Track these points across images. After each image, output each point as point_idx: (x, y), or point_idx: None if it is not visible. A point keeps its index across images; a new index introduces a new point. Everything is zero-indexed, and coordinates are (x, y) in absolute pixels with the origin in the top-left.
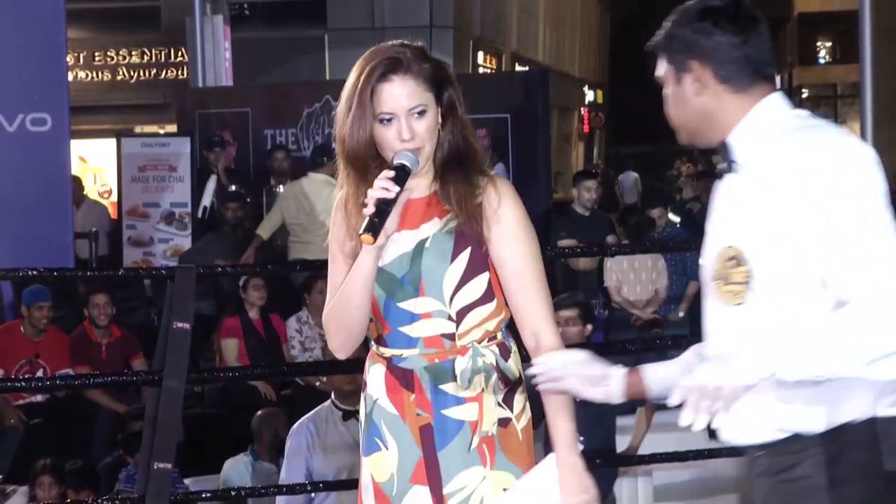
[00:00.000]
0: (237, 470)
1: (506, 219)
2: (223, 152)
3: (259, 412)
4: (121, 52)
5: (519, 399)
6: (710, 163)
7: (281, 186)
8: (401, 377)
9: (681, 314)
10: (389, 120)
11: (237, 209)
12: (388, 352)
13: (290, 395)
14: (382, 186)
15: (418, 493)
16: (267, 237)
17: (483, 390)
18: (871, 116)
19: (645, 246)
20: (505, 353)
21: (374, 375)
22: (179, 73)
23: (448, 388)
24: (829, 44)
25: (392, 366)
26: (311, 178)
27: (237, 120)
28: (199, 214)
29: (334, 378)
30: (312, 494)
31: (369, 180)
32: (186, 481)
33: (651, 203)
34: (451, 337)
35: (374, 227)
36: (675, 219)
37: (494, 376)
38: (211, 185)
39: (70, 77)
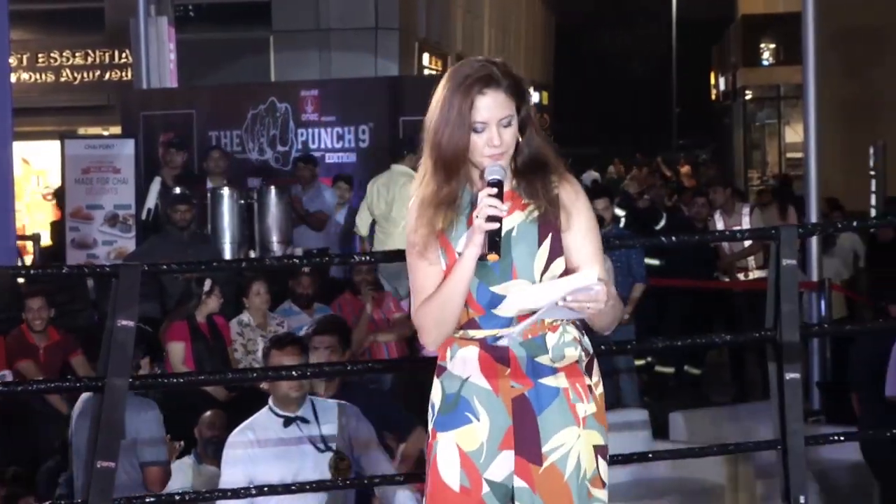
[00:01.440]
0: (181, 472)
1: (584, 211)
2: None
3: (203, 415)
4: (64, 54)
5: (596, 369)
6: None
7: (226, 189)
8: (496, 355)
9: (626, 317)
10: (482, 129)
11: (186, 212)
12: (480, 333)
13: (236, 398)
14: (492, 205)
15: (506, 457)
16: (366, 233)
17: (575, 362)
18: (814, 118)
19: None
20: (582, 329)
21: (465, 357)
22: (123, 74)
23: (542, 360)
24: (772, 45)
25: (487, 346)
26: (394, 169)
27: (182, 122)
28: (143, 216)
29: (280, 384)
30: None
31: (455, 182)
32: None
33: (595, 195)
34: (532, 315)
35: (497, 245)
36: (621, 213)
37: (580, 349)
38: (155, 186)
39: (13, 79)
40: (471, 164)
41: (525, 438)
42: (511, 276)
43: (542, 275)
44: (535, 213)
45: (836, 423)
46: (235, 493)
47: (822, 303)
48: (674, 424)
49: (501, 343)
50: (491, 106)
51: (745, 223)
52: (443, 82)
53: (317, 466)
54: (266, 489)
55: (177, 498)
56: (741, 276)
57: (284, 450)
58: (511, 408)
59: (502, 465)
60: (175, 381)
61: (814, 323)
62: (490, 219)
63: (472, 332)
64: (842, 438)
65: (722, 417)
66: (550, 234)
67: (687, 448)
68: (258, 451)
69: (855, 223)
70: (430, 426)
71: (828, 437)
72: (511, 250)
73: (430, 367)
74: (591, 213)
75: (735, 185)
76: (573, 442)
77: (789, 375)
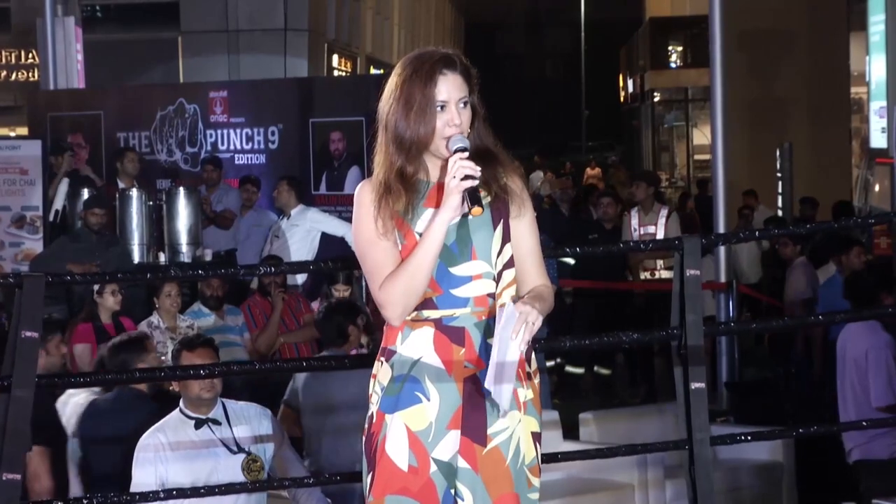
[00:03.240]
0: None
1: (529, 202)
2: (72, 157)
3: None
4: None
5: (534, 357)
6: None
7: (135, 190)
8: (452, 335)
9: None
10: (443, 108)
11: (102, 215)
12: (437, 313)
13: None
14: (465, 165)
15: (453, 436)
16: None
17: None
18: (721, 120)
19: None
20: None
21: (418, 337)
22: (31, 74)
23: (491, 341)
24: (680, 48)
25: (442, 325)
26: None
27: (89, 123)
28: (52, 218)
29: (192, 386)
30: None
31: (412, 168)
32: None
33: None
34: (493, 296)
35: (479, 199)
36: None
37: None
38: (63, 187)
39: None
40: (428, 150)
41: (472, 419)
42: (471, 258)
43: (496, 257)
44: (488, 199)
45: (744, 423)
46: (145, 497)
47: (731, 303)
48: (584, 425)
49: (456, 324)
50: (451, 86)
51: (661, 224)
52: (398, 71)
53: (229, 468)
54: (175, 492)
55: (84, 501)
56: (647, 275)
57: (196, 452)
58: (462, 388)
59: (449, 445)
60: (81, 380)
61: (721, 322)
62: (466, 178)
63: (427, 313)
64: (748, 438)
65: (632, 417)
66: (502, 220)
67: (596, 449)
68: (169, 453)
69: (757, 233)
70: (375, 409)
71: (735, 437)
72: (471, 233)
73: (338, 366)
74: (532, 205)
75: (659, 187)
76: (515, 426)
77: (694, 385)
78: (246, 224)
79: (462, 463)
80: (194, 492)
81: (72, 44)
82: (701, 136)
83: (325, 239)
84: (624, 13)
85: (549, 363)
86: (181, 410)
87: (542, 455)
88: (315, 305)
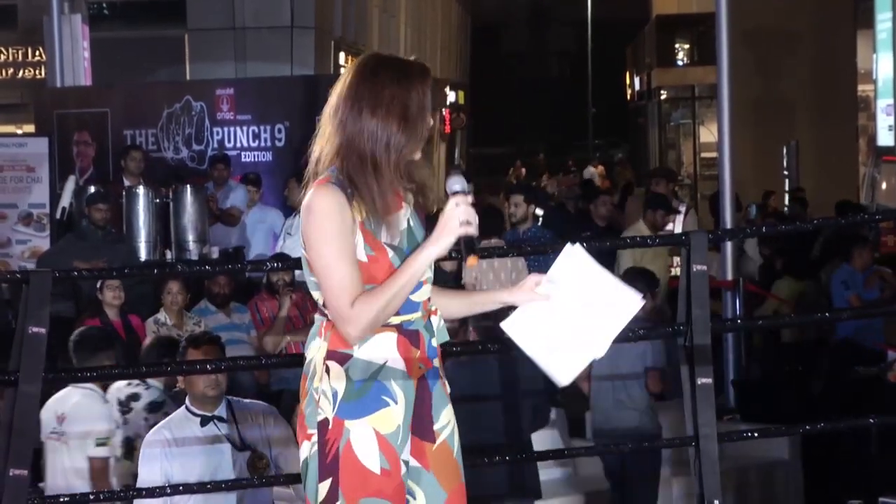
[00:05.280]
0: None
1: (435, 200)
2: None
3: None
4: None
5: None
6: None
7: (141, 187)
8: (411, 338)
9: None
10: None
11: (106, 210)
12: (398, 318)
13: None
14: (470, 214)
15: (409, 437)
16: None
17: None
18: (727, 118)
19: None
20: None
21: (382, 342)
22: (37, 72)
23: (433, 342)
24: (686, 46)
25: (403, 330)
26: None
27: (96, 120)
28: (58, 215)
29: (197, 383)
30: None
31: (386, 175)
32: (45, 484)
33: (512, 191)
34: (429, 299)
35: (474, 248)
36: (539, 212)
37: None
38: (70, 185)
39: None
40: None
41: (422, 417)
42: None
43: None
44: (411, 200)
45: (750, 421)
46: (151, 492)
47: (738, 301)
48: (590, 421)
49: (412, 328)
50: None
51: (679, 220)
52: (372, 74)
53: (235, 465)
54: (182, 488)
55: (91, 497)
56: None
57: (202, 449)
58: (417, 387)
59: (409, 446)
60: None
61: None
62: (466, 223)
63: (390, 319)
64: (755, 435)
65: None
66: (423, 221)
67: (602, 445)
68: (175, 450)
69: (764, 229)
70: (329, 414)
71: (741, 434)
72: (417, 238)
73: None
74: None
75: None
76: (451, 419)
77: (701, 380)
78: (250, 221)
79: (413, 462)
80: (200, 488)
81: (78, 41)
82: (707, 134)
83: None
84: (630, 11)
85: None
86: (187, 408)
87: (550, 451)
88: None
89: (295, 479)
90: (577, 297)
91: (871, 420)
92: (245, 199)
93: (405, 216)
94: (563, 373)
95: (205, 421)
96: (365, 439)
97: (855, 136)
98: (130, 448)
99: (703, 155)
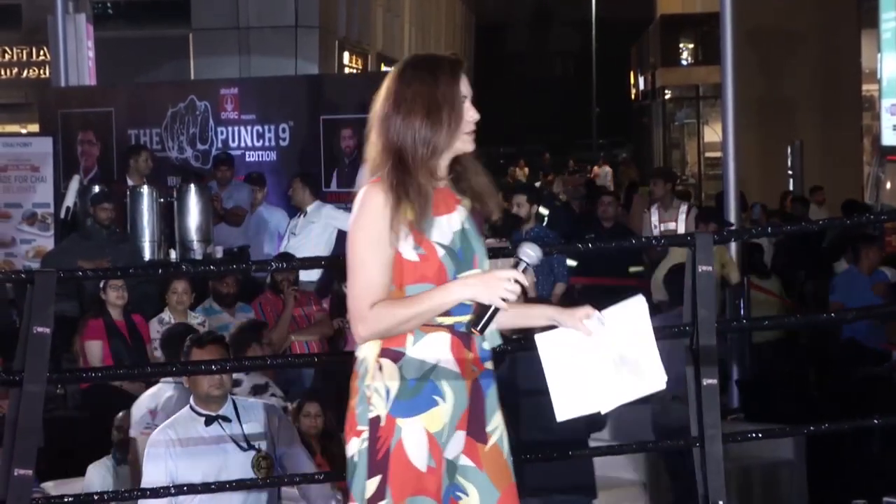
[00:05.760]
0: (99, 474)
1: (497, 208)
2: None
3: (119, 415)
4: None
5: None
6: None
7: (145, 187)
8: (463, 339)
9: None
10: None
11: (111, 210)
12: (449, 320)
13: None
14: (514, 291)
15: (459, 437)
16: None
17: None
18: (732, 118)
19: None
20: None
21: (435, 342)
22: (42, 72)
23: (485, 345)
24: (691, 45)
25: (455, 331)
26: None
27: (100, 120)
28: (62, 215)
29: (201, 383)
30: (176, 499)
31: (423, 172)
32: (49, 484)
33: (514, 191)
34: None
35: (486, 325)
36: (544, 211)
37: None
38: (74, 184)
39: None
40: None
41: (476, 419)
42: (472, 265)
43: (486, 263)
44: (468, 205)
45: (755, 421)
46: (156, 492)
47: (742, 301)
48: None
49: (464, 329)
50: (467, 83)
51: (681, 220)
52: (409, 74)
53: (239, 465)
54: (186, 488)
55: (95, 498)
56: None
57: (206, 448)
58: (469, 389)
59: (456, 444)
60: (93, 375)
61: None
62: (504, 300)
63: (441, 319)
64: (759, 436)
65: (642, 415)
66: (479, 226)
67: (606, 445)
68: (180, 449)
69: (770, 229)
70: (382, 412)
71: (746, 434)
72: (471, 242)
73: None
74: None
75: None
76: (501, 423)
77: (706, 381)
78: (255, 221)
79: (465, 461)
80: (205, 488)
81: (83, 41)
82: (712, 134)
83: (341, 235)
84: (634, 11)
85: None
86: (191, 407)
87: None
88: (326, 303)
89: (299, 479)
90: (617, 347)
91: (876, 420)
92: (249, 198)
93: (459, 218)
94: (562, 408)
95: (209, 420)
96: (415, 437)
97: (859, 136)
98: None
99: (708, 155)
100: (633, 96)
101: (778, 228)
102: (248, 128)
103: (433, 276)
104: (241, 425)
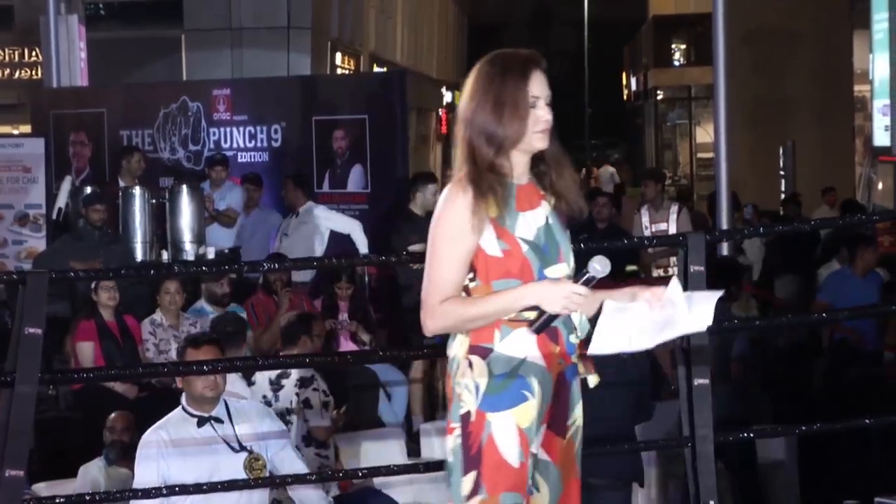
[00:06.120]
0: (91, 475)
1: (580, 208)
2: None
3: (111, 416)
4: None
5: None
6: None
7: (138, 188)
8: (550, 334)
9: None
10: (534, 103)
11: (103, 211)
12: (534, 314)
13: (146, 397)
14: (579, 303)
15: (541, 431)
16: None
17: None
18: (724, 118)
19: None
20: None
21: (522, 338)
22: (34, 73)
23: (572, 338)
24: (683, 46)
25: None
26: None
27: (93, 121)
28: (54, 216)
29: (195, 384)
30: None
31: (501, 169)
32: (40, 485)
33: None
34: None
35: (543, 329)
36: None
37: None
38: (66, 185)
39: None
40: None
41: (558, 413)
42: (558, 260)
43: (571, 258)
44: (553, 203)
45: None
46: (147, 493)
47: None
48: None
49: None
50: (542, 82)
51: (672, 221)
52: (482, 69)
53: (231, 467)
54: (178, 489)
55: (87, 498)
56: (661, 272)
57: (198, 450)
58: (556, 382)
59: (539, 439)
60: (85, 376)
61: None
62: (566, 308)
63: (527, 314)
64: (751, 436)
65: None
66: (564, 223)
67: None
68: (172, 450)
69: (762, 229)
70: (472, 408)
71: (737, 435)
72: (556, 237)
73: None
74: None
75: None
76: (580, 416)
77: (697, 381)
78: (251, 223)
79: (543, 455)
80: (196, 489)
81: (75, 42)
82: (704, 135)
83: (333, 236)
84: (627, 11)
85: None
86: (184, 408)
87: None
88: (318, 304)
89: (291, 480)
90: (673, 317)
91: (868, 421)
92: (241, 200)
93: (544, 213)
94: (598, 345)
95: (202, 422)
96: (506, 432)
97: (851, 137)
98: (285, 422)
99: (700, 155)
100: (625, 97)
101: (770, 229)
102: (241, 129)
103: (517, 271)
104: (234, 426)
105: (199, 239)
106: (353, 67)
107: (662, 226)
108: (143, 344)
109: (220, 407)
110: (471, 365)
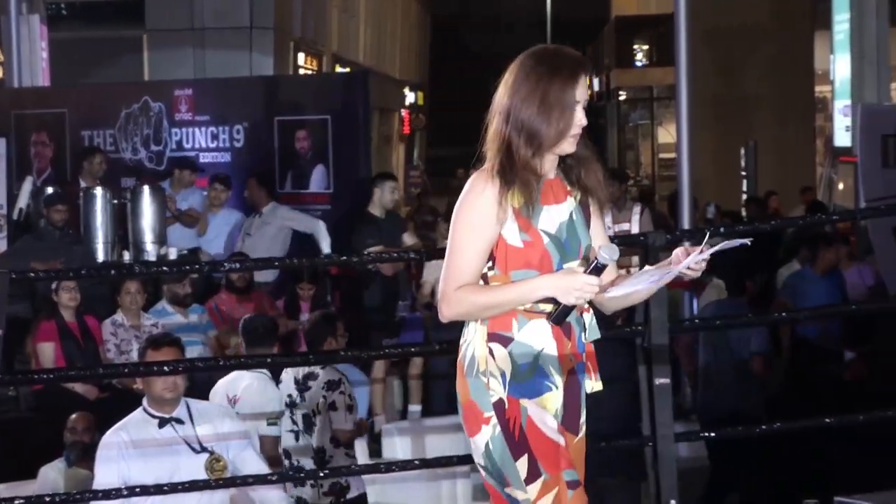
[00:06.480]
0: (51, 476)
1: (604, 198)
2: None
3: (71, 417)
4: None
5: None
6: None
7: (99, 188)
8: (563, 328)
9: None
10: (574, 107)
11: (65, 211)
12: (549, 307)
13: (107, 398)
14: (592, 294)
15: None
16: None
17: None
18: (686, 119)
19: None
20: None
21: (539, 329)
22: None
23: (583, 337)
24: (645, 46)
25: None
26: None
27: (54, 121)
28: (15, 216)
29: (154, 385)
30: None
31: (535, 164)
32: (0, 487)
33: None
34: None
35: (563, 319)
36: None
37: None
38: (27, 186)
39: None
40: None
41: (571, 409)
42: (578, 256)
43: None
44: (578, 198)
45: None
46: (107, 494)
47: (695, 301)
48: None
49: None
50: (585, 87)
51: (635, 221)
52: (530, 64)
53: (192, 467)
54: (138, 490)
55: (47, 500)
56: (623, 272)
57: (159, 451)
58: (566, 380)
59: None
60: (46, 376)
61: (685, 318)
62: (578, 299)
63: (544, 306)
64: (713, 435)
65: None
66: (587, 219)
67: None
68: (132, 451)
69: (722, 229)
70: (503, 395)
71: (698, 434)
72: (578, 233)
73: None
74: None
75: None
76: (584, 416)
77: (658, 380)
78: (216, 223)
79: None
80: (157, 490)
81: (36, 41)
82: (666, 135)
83: (295, 237)
84: (590, 12)
85: None
86: (144, 409)
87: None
88: (280, 304)
89: (252, 481)
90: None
91: (828, 420)
92: (202, 200)
93: (568, 208)
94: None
95: (162, 423)
96: (543, 415)
97: (812, 137)
98: (310, 423)
99: (662, 155)
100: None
101: (731, 229)
102: (203, 129)
103: (537, 262)
104: (195, 427)
105: (161, 239)
106: (315, 68)
107: (625, 226)
108: (105, 344)
109: (181, 408)
110: (492, 353)
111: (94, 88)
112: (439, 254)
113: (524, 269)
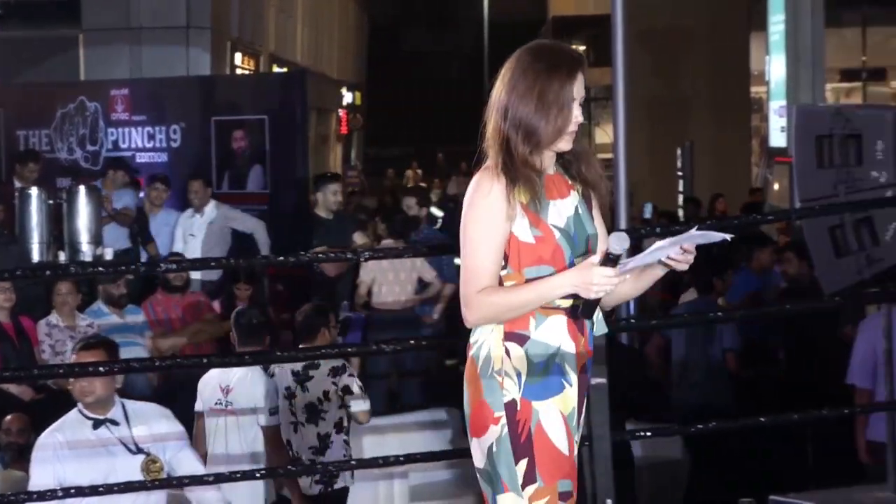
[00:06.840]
0: None
1: (605, 189)
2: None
3: (6, 418)
4: None
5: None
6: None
7: (34, 189)
8: (577, 323)
9: (435, 316)
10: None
11: (0, 212)
12: (566, 302)
13: (42, 399)
14: (610, 286)
15: (580, 421)
16: None
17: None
18: (623, 119)
19: (397, 250)
20: None
21: (555, 325)
22: None
23: (592, 330)
24: (582, 47)
25: (570, 314)
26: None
27: None
28: None
29: (74, 388)
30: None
31: (536, 160)
32: None
33: (405, 193)
34: None
35: (589, 313)
36: (439, 213)
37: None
38: None
39: None
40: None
41: (577, 407)
42: (587, 250)
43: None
44: (581, 191)
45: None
46: (42, 496)
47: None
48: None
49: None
50: (582, 84)
51: None
52: (527, 60)
53: (128, 468)
54: (73, 491)
55: None
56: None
57: (94, 452)
58: (579, 373)
59: (580, 430)
60: None
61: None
62: (597, 293)
63: (560, 301)
64: (648, 435)
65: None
66: (592, 212)
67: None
68: (67, 452)
69: (658, 229)
70: (516, 396)
71: (633, 434)
72: (585, 226)
73: (239, 362)
74: None
75: None
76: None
77: (595, 380)
78: (156, 223)
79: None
80: (92, 491)
81: None
82: (603, 135)
83: (235, 236)
84: (528, 13)
85: (450, 361)
86: (80, 410)
87: (444, 452)
88: (217, 305)
89: (188, 481)
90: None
91: (762, 420)
92: (134, 200)
93: (573, 202)
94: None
95: (97, 424)
96: (554, 420)
97: (748, 137)
98: (315, 411)
99: (599, 156)
100: None
101: (667, 229)
102: (139, 129)
103: (550, 257)
104: (130, 428)
105: (97, 240)
106: (253, 67)
107: None
108: (39, 345)
109: (116, 409)
110: (508, 353)
111: (30, 88)
112: (379, 253)
113: (537, 266)
